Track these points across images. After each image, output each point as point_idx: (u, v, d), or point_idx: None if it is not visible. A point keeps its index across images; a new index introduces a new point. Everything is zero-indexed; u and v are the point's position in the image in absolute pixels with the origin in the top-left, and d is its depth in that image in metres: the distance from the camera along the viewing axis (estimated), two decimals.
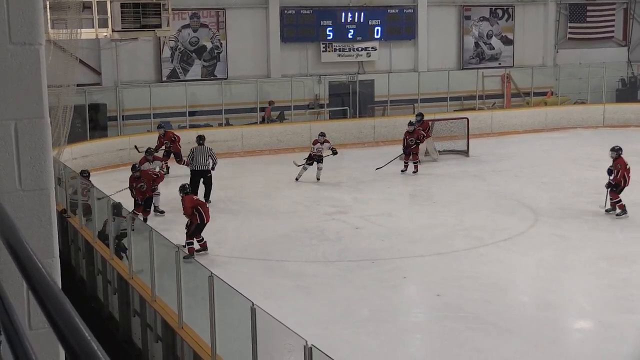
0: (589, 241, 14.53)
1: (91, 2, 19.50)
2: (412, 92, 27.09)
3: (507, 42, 30.25)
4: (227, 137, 23.67)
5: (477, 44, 29.81)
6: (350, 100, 26.45)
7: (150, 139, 22.85)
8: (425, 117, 23.12)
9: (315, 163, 19.65)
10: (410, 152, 20.67)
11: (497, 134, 26.36)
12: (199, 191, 16.65)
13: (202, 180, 17.49)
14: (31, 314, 2.80)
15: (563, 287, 12.31)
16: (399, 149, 22.84)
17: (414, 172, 20.45)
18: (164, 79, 25.22)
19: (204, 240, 13.81)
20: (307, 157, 19.89)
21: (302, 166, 19.64)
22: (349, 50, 27.41)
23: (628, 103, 29.16)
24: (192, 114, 24.54)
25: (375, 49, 27.78)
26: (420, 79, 27.32)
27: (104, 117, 23.75)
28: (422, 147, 22.00)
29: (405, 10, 28.20)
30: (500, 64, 30.10)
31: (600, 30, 31.64)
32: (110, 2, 19.90)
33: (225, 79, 25.80)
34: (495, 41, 30.07)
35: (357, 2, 27.48)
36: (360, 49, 27.55)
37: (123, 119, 23.78)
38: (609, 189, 16.05)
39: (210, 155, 17.79)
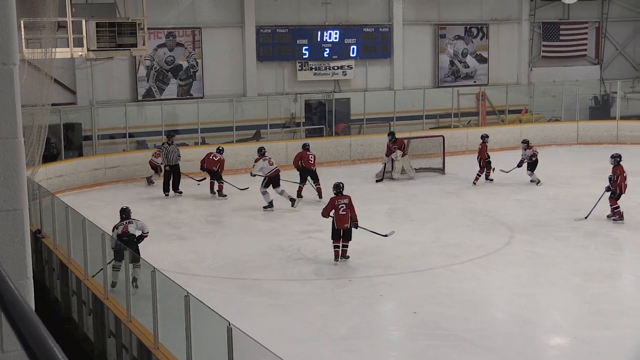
0: (563, 257, 14.64)
1: (66, 21, 19.45)
2: (388, 110, 27.21)
3: (482, 60, 30.52)
4: (203, 156, 23.57)
5: (452, 62, 30.05)
6: (326, 118, 26.54)
7: (126, 158, 22.81)
8: (401, 135, 23.33)
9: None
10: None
11: (473, 151, 26.43)
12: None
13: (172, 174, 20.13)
14: (4, 336, 2.78)
15: (539, 303, 12.39)
16: (376, 167, 22.99)
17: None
18: (140, 98, 25.18)
19: None
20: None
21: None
22: (325, 68, 27.54)
23: (601, 120, 29.46)
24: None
25: (351, 68, 27.94)
26: (395, 97, 27.48)
27: (79, 136, 23.65)
28: (397, 165, 22.13)
29: (380, 29, 28.40)
30: (475, 82, 30.35)
31: (573, 49, 32.03)
32: (86, 22, 19.85)
33: (201, 97, 25.81)
34: (470, 59, 30.33)
35: (333, 21, 27.64)
36: (336, 68, 27.69)
37: (98, 139, 23.69)
38: (610, 196, 16.66)
39: (179, 153, 20.46)
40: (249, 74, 26.51)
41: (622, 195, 16.71)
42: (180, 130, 24.74)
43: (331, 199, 14.53)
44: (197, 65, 25.97)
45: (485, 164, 21.11)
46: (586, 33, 32.21)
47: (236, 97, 25.92)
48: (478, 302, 12.41)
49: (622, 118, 28.81)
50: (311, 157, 19.89)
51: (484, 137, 21.52)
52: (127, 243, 12.14)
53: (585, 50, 32.33)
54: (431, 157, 23.36)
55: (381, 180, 21.91)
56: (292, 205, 18.71)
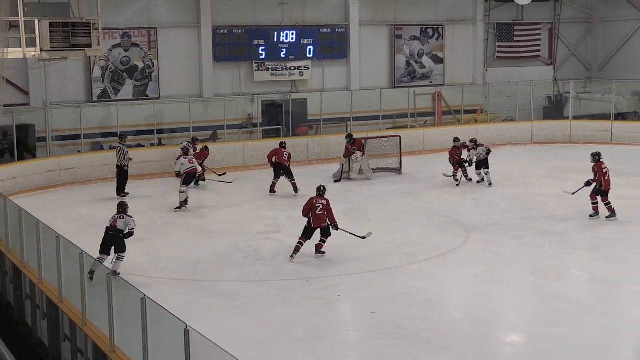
0: (519, 256, 14.81)
1: (18, 21, 19.15)
2: (345, 111, 27.27)
3: (438, 60, 30.75)
4: (160, 157, 23.46)
5: (408, 63, 30.22)
6: (284, 119, 26.51)
7: (81, 160, 22.55)
8: (358, 136, 23.42)
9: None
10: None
11: (429, 151, 26.69)
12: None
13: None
14: None
15: (495, 302, 12.52)
16: (333, 168, 23.04)
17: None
18: (95, 99, 24.91)
19: None
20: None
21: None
22: (282, 69, 27.52)
23: (555, 120, 29.85)
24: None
25: (308, 68, 27.95)
26: (352, 98, 27.54)
27: (32, 138, 23.30)
28: (355, 165, 22.21)
29: (337, 29, 28.46)
30: (431, 82, 30.57)
31: (527, 50, 32.44)
32: (39, 21, 19.56)
33: (157, 98, 25.61)
34: (426, 60, 30.54)
35: (290, 21, 27.63)
36: (293, 68, 27.68)
37: (52, 140, 23.38)
38: (592, 192, 17.23)
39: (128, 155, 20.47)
40: (206, 75, 26.39)
41: (609, 191, 17.10)
42: (136, 132, 24.54)
43: (310, 198, 14.86)
44: (153, 66, 25.77)
45: (458, 164, 21.16)
46: (540, 34, 32.64)
47: (193, 98, 25.78)
48: (435, 301, 12.50)
49: (575, 118, 29.24)
50: (285, 154, 20.46)
51: (454, 141, 21.64)
52: (112, 237, 13.09)
53: (539, 51, 32.76)
54: (388, 157, 23.46)
55: (339, 180, 21.97)
56: (176, 209, 18.82)
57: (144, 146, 24.31)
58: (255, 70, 27.12)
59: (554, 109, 31.44)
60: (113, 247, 13.13)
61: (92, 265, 11.01)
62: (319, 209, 14.55)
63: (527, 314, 12.04)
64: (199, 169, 20.00)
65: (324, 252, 14.75)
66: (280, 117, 26.66)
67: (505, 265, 14.33)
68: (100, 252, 12.94)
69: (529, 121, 29.18)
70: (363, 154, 22.28)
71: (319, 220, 14.54)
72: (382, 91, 28.24)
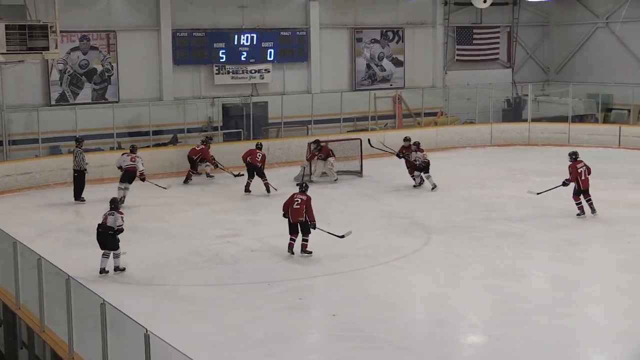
0: (478, 257, 14.93)
1: None
2: (306, 114, 27.30)
3: (398, 63, 30.91)
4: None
5: (368, 66, 30.34)
6: (244, 122, 26.44)
7: (39, 164, 22.28)
8: (321, 138, 23.47)
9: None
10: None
11: (390, 154, 26.75)
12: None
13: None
14: None
15: (455, 303, 12.60)
16: (294, 170, 23.03)
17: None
18: (53, 102, 24.61)
19: None
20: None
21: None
22: (242, 72, 27.45)
23: (513, 122, 30.17)
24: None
25: (269, 71, 27.92)
26: (313, 101, 27.58)
27: None
28: (318, 168, 22.25)
29: (297, 32, 28.48)
30: (391, 85, 30.71)
31: (486, 53, 32.76)
32: None
33: (116, 102, 25.40)
34: (386, 63, 30.68)
35: (250, 24, 27.58)
36: (253, 71, 27.63)
37: (9, 144, 23.07)
38: (573, 194, 17.67)
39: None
40: (166, 78, 26.23)
41: (588, 189, 17.52)
42: (95, 135, 24.28)
43: (292, 194, 15.21)
44: (112, 69, 25.55)
45: (410, 166, 21.23)
46: (498, 37, 32.98)
47: (152, 102, 25.61)
48: (396, 303, 12.55)
49: (534, 120, 29.59)
50: (259, 155, 20.89)
51: (404, 140, 21.79)
52: (101, 233, 13.78)
53: (498, 54, 33.10)
54: (349, 160, 23.54)
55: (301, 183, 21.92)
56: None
57: (103, 150, 24.09)
58: (216, 74, 27.02)
59: (513, 112, 31.78)
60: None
61: (100, 262, 13.10)
62: (296, 203, 14.88)
63: (487, 315, 12.14)
64: (140, 168, 19.84)
65: (311, 252, 14.86)
66: (241, 121, 26.58)
67: (466, 266, 14.43)
68: (101, 248, 13.85)
69: (488, 123, 29.46)
70: (330, 157, 22.34)
71: (295, 214, 14.82)
72: (343, 94, 28.32)
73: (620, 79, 30.76)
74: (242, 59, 27.33)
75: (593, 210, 17.65)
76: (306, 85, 28.99)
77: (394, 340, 10.96)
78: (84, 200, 19.97)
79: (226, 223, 17.92)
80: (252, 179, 20.97)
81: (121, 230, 13.88)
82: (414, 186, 21.18)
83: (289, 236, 15.03)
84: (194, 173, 22.72)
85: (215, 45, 26.87)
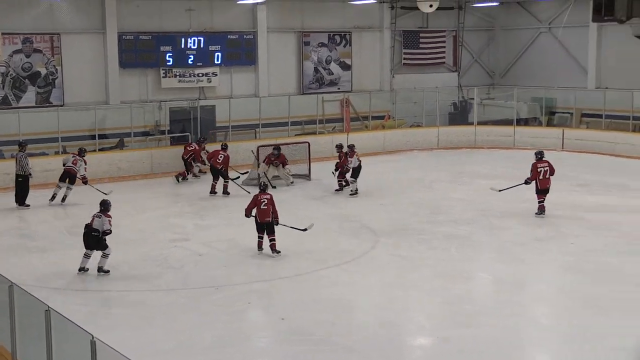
0: (426, 260, 15.05)
1: None
2: (254, 117, 27.24)
3: (346, 67, 31.03)
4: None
5: (316, 69, 30.40)
6: (192, 126, 26.27)
7: None
8: (267, 142, 23.47)
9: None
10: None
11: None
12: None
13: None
14: None
15: (403, 305, 12.68)
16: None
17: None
18: None
19: None
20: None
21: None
22: (190, 75, 27.28)
23: (460, 126, 30.51)
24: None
25: (216, 75, 27.80)
26: (261, 104, 27.52)
27: None
28: (270, 171, 22.25)
29: (245, 36, 28.41)
30: (339, 88, 30.82)
31: (432, 57, 33.06)
32: None
33: (61, 105, 25.03)
34: (334, 66, 30.77)
35: (197, 27, 27.41)
36: (200, 75, 27.48)
37: None
38: (535, 192, 18.21)
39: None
40: (112, 81, 25.93)
41: (547, 189, 18.06)
42: (39, 140, 23.89)
43: (254, 196, 15.49)
44: (57, 72, 25.18)
45: (341, 171, 21.26)
46: (444, 41, 33.32)
47: (98, 105, 25.30)
48: (345, 306, 12.58)
49: (479, 123, 29.95)
50: (220, 157, 21.05)
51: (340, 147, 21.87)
52: (85, 234, 13.96)
53: (444, 58, 33.44)
54: (297, 163, 23.53)
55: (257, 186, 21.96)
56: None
57: (47, 154, 23.70)
58: (163, 77, 26.81)
59: (459, 115, 32.15)
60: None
61: (81, 261, 13.41)
62: (263, 203, 15.20)
63: (435, 317, 12.24)
64: (80, 172, 20.08)
65: (279, 251, 15.09)
66: (189, 124, 26.41)
67: (413, 269, 14.54)
68: (86, 248, 13.99)
69: (435, 127, 29.75)
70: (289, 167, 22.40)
71: (264, 214, 15.14)
72: (291, 98, 28.32)
73: (563, 83, 31.32)
74: (190, 62, 27.16)
75: (543, 211, 18.03)
76: (254, 88, 28.93)
77: (344, 343, 10.98)
78: (29, 206, 19.63)
79: (175, 227, 17.78)
80: (217, 180, 21.11)
81: (108, 233, 14.00)
82: (336, 190, 21.16)
83: (257, 235, 15.32)
84: (188, 174, 23.06)
85: (162, 48, 26.66)
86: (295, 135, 27.66)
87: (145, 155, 24.40)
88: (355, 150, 21.07)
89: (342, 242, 16.37)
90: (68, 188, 19.97)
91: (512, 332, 11.40)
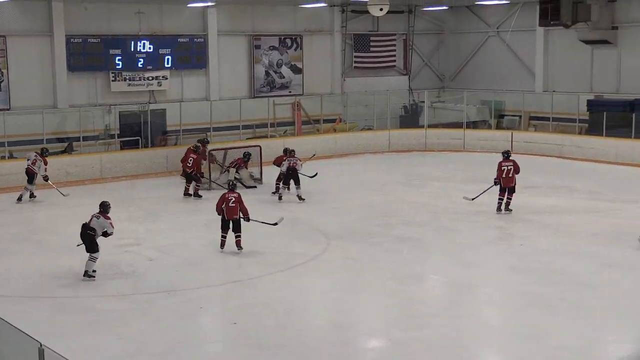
0: (378, 262, 15.12)
1: None
2: (205, 121, 27.10)
3: (297, 70, 31.04)
4: (10, 170, 22.51)
5: (267, 73, 30.36)
6: (142, 130, 26.03)
7: None
8: (219, 146, 23.44)
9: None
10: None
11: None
12: None
13: None
14: None
15: (355, 308, 12.70)
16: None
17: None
18: None
19: None
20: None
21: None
22: (140, 79, 27.03)
23: (410, 129, 30.72)
24: None
25: (167, 78, 27.60)
26: (212, 108, 27.39)
27: None
28: (222, 176, 22.16)
29: (195, 39, 28.26)
30: (290, 92, 30.81)
31: (383, 60, 33.25)
32: None
33: (7, 109, 24.61)
34: (285, 70, 30.76)
35: (147, 31, 27.18)
36: (150, 78, 27.25)
37: None
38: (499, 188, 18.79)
39: None
40: (60, 85, 25.57)
41: (510, 188, 18.59)
42: None
43: (222, 194, 15.82)
44: (3, 76, 24.75)
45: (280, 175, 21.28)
46: (395, 45, 33.53)
47: (46, 109, 24.92)
48: (297, 310, 12.58)
49: (430, 126, 30.21)
50: (190, 160, 21.07)
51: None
52: (82, 234, 13.98)
53: (395, 61, 33.65)
54: (249, 167, 23.43)
55: (209, 189, 21.89)
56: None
57: None
58: (112, 81, 26.52)
59: (410, 118, 32.36)
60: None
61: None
62: (231, 201, 15.52)
63: (387, 319, 12.30)
64: (41, 173, 20.32)
65: (242, 248, 15.52)
66: (139, 128, 26.17)
67: (365, 271, 14.60)
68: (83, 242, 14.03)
69: (386, 130, 29.92)
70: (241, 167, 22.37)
71: (231, 212, 15.47)
72: (242, 101, 28.23)
73: (512, 86, 31.72)
74: (139, 65, 26.91)
75: (498, 209, 18.63)
76: (205, 92, 28.79)
77: (296, 347, 10.97)
78: None
79: (124, 232, 17.52)
80: (190, 183, 21.23)
81: (109, 235, 14.16)
82: (275, 193, 21.06)
83: (220, 234, 15.62)
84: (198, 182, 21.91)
85: (111, 51, 26.37)
86: (247, 139, 27.57)
87: (94, 160, 24.10)
88: (289, 155, 20.82)
89: (293, 245, 16.37)
90: (25, 188, 20.24)
91: (463, 333, 11.50)
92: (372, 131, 30.23)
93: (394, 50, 33.56)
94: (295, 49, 30.96)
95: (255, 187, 22.27)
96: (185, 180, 21.42)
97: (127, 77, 26.77)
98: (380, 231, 17.43)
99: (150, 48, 27.09)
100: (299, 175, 20.58)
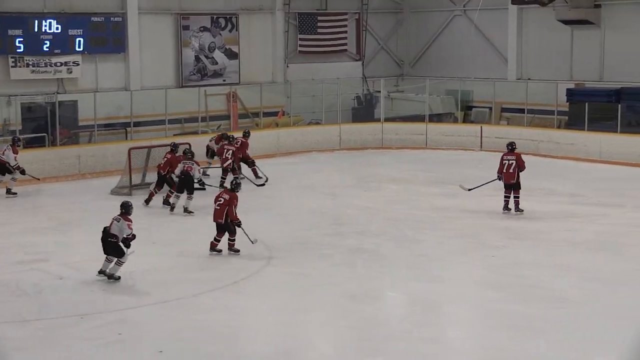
0: (329, 278, 15.11)
1: None
2: (124, 115, 26.87)
3: (232, 55, 30.94)
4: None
5: (197, 58, 30.22)
6: (49, 125, 25.69)
7: None
8: (142, 144, 23.26)
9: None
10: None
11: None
12: None
13: None
14: None
15: (303, 331, 12.67)
16: (111, 181, 22.60)
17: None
18: None
19: None
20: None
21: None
22: (45, 65, 26.70)
23: (364, 123, 30.84)
24: None
25: (78, 64, 27.31)
26: (132, 99, 27.16)
27: None
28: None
29: (112, 18, 28.00)
30: (225, 80, 30.72)
31: (332, 43, 33.34)
32: None
33: None
34: (218, 55, 30.66)
35: (54, 8, 26.86)
36: (59, 64, 26.94)
37: None
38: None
39: None
40: None
41: (512, 185, 19.29)
42: None
43: (220, 192, 16.89)
44: None
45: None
46: (346, 26, 33.64)
47: None
48: (233, 335, 12.51)
49: (387, 120, 30.35)
50: (163, 161, 21.25)
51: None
52: (102, 238, 14.69)
53: (346, 44, 33.75)
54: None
55: (128, 194, 21.63)
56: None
57: None
58: (12, 67, 26.17)
59: (364, 110, 32.48)
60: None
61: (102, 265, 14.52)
62: (218, 203, 16.27)
63: (340, 344, 12.28)
64: (9, 162, 21.93)
65: (238, 250, 16.31)
66: (45, 123, 25.81)
67: (314, 288, 14.58)
68: (104, 253, 14.72)
69: (337, 124, 29.98)
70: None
71: (215, 215, 16.26)
72: (168, 91, 28.07)
73: (481, 74, 32.10)
74: (45, 49, 26.61)
75: (505, 208, 19.29)
76: (124, 80, 28.54)
77: None
78: None
79: (29, 246, 17.32)
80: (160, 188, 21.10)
81: (129, 239, 14.57)
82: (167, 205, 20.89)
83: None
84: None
85: (10, 32, 26.03)
86: (174, 135, 27.40)
87: None
88: (184, 155, 20.72)
89: (231, 259, 16.29)
90: None
91: (428, 358, 11.54)
92: (320, 126, 30.27)
93: (345, 32, 33.67)
94: (230, 31, 30.86)
95: (204, 189, 22.02)
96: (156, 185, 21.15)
97: (31, 63, 26.43)
98: (330, 242, 17.42)
99: (57, 28, 26.77)
100: (194, 182, 20.22)
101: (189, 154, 20.53)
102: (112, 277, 14.65)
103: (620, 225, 18.55)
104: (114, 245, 14.66)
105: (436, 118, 31.16)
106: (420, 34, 35.11)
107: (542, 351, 11.68)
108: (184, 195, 20.03)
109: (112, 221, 14.79)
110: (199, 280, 14.93)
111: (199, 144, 24.92)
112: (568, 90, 28.95)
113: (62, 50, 26.96)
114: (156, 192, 21.00)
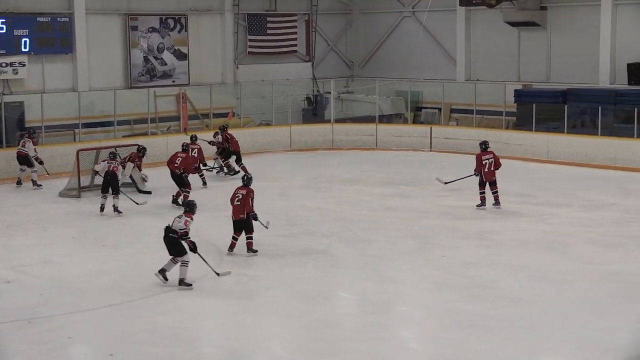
0: (279, 279, 15.09)
1: None
2: (72, 116, 26.60)
3: (181, 56, 30.80)
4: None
5: (146, 59, 30.03)
6: None
7: None
8: (90, 145, 23.02)
9: None
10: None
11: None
12: None
13: None
14: None
15: (254, 333, 12.63)
16: (58, 184, 22.37)
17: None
18: None
19: None
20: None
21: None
22: None
23: (315, 124, 30.90)
24: None
25: (24, 65, 27.02)
26: (80, 100, 26.91)
27: None
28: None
29: (59, 18, 27.72)
30: (174, 81, 30.58)
31: (282, 44, 33.35)
32: None
33: None
34: (167, 55, 30.49)
35: None
36: (4, 65, 26.63)
37: None
38: (478, 183, 19.97)
39: None
40: None
41: (493, 182, 19.77)
42: None
43: (237, 188, 16.63)
44: None
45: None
46: (296, 27, 33.67)
47: None
48: (184, 337, 12.43)
49: (337, 121, 30.44)
50: (178, 159, 21.03)
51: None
52: (165, 237, 14.52)
53: (296, 45, 33.77)
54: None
55: (78, 196, 21.45)
56: None
57: None
58: None
59: (314, 111, 32.54)
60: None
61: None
62: (237, 199, 16.32)
63: (291, 345, 12.26)
64: (28, 152, 22.86)
65: (256, 251, 16.33)
66: None
67: (265, 290, 14.56)
68: (169, 254, 14.53)
69: (287, 125, 30.01)
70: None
71: (236, 211, 16.34)
72: (117, 92, 27.86)
73: (430, 75, 32.31)
74: None
75: (496, 203, 19.68)
76: (72, 81, 28.27)
77: None
78: None
79: None
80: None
81: (183, 235, 14.37)
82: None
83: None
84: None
85: None
86: (123, 136, 27.20)
87: None
88: (122, 157, 20.97)
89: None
90: (21, 170, 22.96)
91: (378, 358, 11.57)
92: (270, 127, 30.26)
93: (295, 33, 33.68)
94: (180, 31, 30.72)
95: (150, 192, 21.88)
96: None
97: None
98: (281, 242, 17.42)
99: (2, 28, 26.51)
100: (119, 182, 20.13)
101: (111, 155, 20.46)
102: (183, 283, 14.36)
103: (567, 225, 18.77)
104: (174, 242, 14.45)
105: (386, 119, 31.30)
106: (370, 35, 35.25)
107: (495, 350, 11.77)
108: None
109: (174, 219, 14.69)
110: (150, 283, 14.81)
111: (149, 145, 24.74)
112: (516, 91, 29.24)
113: (8, 50, 26.67)
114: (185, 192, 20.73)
